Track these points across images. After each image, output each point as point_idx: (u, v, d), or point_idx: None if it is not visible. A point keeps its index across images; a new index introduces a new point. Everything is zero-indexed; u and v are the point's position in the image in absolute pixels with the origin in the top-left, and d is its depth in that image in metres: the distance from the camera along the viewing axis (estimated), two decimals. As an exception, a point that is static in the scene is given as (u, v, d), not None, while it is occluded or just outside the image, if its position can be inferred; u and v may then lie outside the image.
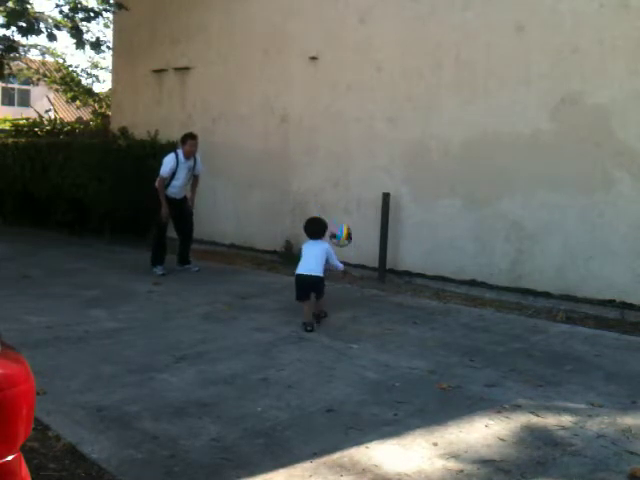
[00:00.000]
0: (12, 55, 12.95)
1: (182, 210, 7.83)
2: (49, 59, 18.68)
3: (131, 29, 11.07)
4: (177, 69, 10.32)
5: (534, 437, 3.26)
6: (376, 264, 7.53)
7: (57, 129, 13.60)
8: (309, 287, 5.36)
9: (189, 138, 7.65)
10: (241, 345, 4.79)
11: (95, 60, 18.71)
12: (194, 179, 7.93)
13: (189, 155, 7.62)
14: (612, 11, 5.98)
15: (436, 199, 7.22)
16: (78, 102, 16.61)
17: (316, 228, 5.62)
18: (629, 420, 3.51)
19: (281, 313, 5.84)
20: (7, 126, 15.32)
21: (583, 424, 3.44)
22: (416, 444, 3.14)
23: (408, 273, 7.44)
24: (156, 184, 7.52)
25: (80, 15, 10.83)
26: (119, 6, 9.99)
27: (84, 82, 17.18)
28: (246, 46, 9.22)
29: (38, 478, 2.70)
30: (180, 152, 7.61)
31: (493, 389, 3.97)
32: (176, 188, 7.61)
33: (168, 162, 7.48)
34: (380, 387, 3.95)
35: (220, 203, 9.60)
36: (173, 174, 7.51)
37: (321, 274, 5.40)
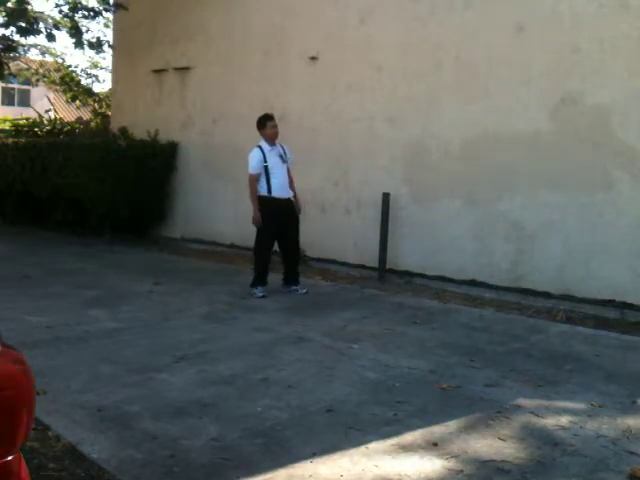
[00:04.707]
0: (12, 55, 12.93)
1: (290, 214, 6.69)
2: (49, 59, 18.66)
3: (131, 29, 11.06)
4: (177, 69, 10.32)
5: (534, 437, 3.26)
6: (376, 264, 7.53)
7: (57, 129, 13.59)
8: None
9: (267, 120, 6.64)
10: (241, 345, 4.79)
11: (95, 60, 18.68)
12: (288, 173, 6.74)
13: (273, 139, 6.61)
14: (612, 11, 5.98)
15: (436, 199, 7.22)
16: (78, 102, 16.59)
17: None
18: (629, 420, 3.51)
19: (281, 313, 5.84)
20: (7, 126, 15.33)
21: (583, 424, 3.44)
22: (416, 444, 3.14)
23: (408, 273, 7.44)
24: (248, 184, 6.62)
25: (80, 14, 10.82)
26: (118, 6, 9.98)
27: (84, 82, 17.16)
28: (246, 46, 9.22)
29: (38, 478, 2.70)
30: (262, 142, 6.63)
31: (493, 389, 3.96)
32: (278, 185, 6.53)
33: (254, 156, 6.54)
34: (380, 387, 3.95)
35: (220, 203, 9.59)
36: (266, 170, 6.50)
37: None
